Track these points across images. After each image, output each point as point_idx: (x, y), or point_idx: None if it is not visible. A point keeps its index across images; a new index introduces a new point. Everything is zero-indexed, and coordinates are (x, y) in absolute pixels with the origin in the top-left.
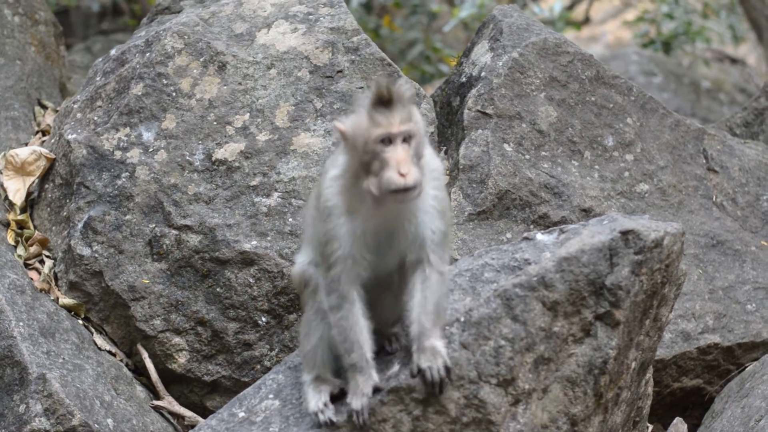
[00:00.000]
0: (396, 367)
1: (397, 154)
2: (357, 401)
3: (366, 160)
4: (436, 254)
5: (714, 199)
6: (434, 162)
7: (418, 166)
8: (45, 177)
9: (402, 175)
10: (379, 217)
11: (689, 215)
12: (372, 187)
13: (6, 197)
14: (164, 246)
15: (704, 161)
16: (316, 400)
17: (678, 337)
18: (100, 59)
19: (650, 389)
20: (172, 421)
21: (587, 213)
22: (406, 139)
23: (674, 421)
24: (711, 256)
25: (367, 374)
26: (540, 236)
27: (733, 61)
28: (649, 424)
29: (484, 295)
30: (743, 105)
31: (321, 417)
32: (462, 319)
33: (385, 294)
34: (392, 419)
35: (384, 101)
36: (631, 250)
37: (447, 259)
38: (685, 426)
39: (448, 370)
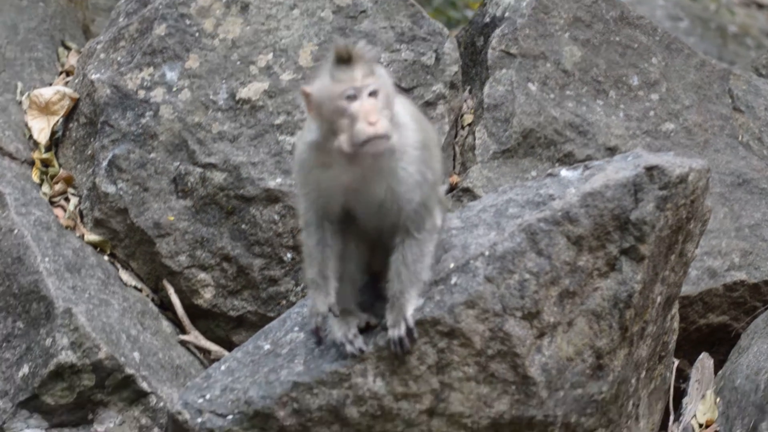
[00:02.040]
0: (421, 301)
1: (364, 106)
2: (311, 319)
3: (334, 120)
4: (413, 222)
5: (740, 138)
6: (412, 132)
7: (390, 121)
8: (69, 116)
9: (371, 124)
10: (353, 176)
11: (715, 154)
12: (343, 144)
13: (31, 136)
14: (189, 183)
15: (730, 101)
16: (344, 330)
17: (704, 274)
18: (123, 0)
19: (676, 324)
20: (198, 355)
21: (612, 152)
22: (372, 93)
23: (700, 356)
24: (737, 194)
25: (324, 291)
26: (564, 172)
27: (760, 6)
28: (675, 359)
29: (508, 229)
30: None
31: (348, 347)
32: (486, 253)
33: (380, 249)
34: (417, 351)
35: (344, 60)
36: (656, 186)
37: (428, 224)
38: (711, 361)
39: (409, 330)
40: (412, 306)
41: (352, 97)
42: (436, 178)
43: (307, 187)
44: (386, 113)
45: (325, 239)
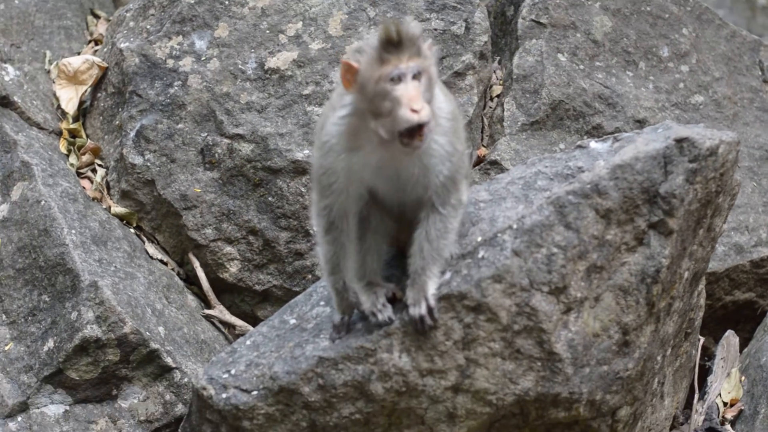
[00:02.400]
0: (447, 275)
1: (408, 90)
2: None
3: (375, 102)
4: (439, 197)
5: None
6: (443, 103)
7: (429, 105)
8: (97, 86)
9: (414, 111)
10: (383, 158)
11: (744, 127)
12: (381, 130)
13: (59, 106)
14: (216, 155)
15: (760, 73)
16: (373, 300)
17: (731, 249)
18: None
19: (702, 301)
20: (223, 330)
21: (641, 124)
22: (416, 76)
23: (726, 333)
24: (765, 168)
25: (344, 297)
26: (594, 144)
27: None
28: (700, 337)
29: (536, 202)
30: None
31: (380, 316)
32: (514, 226)
33: (405, 221)
34: (443, 326)
35: (393, 42)
36: (686, 158)
37: (454, 199)
38: (737, 339)
39: (430, 309)
40: (433, 284)
41: (396, 80)
42: (464, 149)
43: (333, 177)
44: (427, 96)
45: (342, 245)
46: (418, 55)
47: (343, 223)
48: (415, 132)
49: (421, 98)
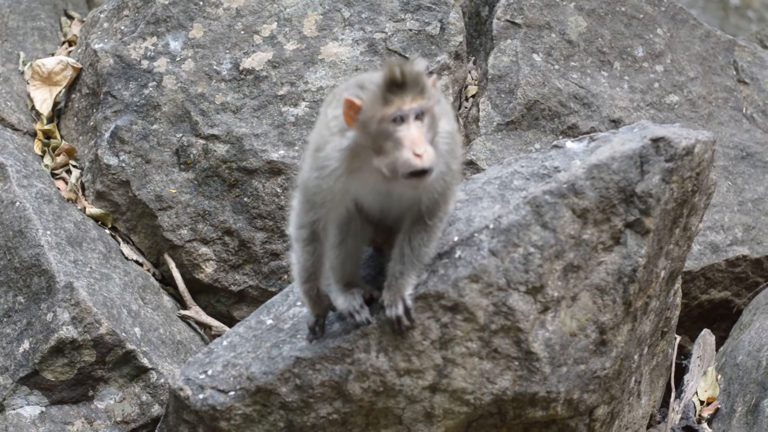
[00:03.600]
0: (424, 275)
1: (411, 132)
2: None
3: (378, 141)
4: (429, 211)
5: (744, 110)
6: (445, 125)
7: (432, 144)
8: (72, 87)
9: (417, 155)
10: (379, 186)
11: (719, 127)
12: (384, 168)
13: (33, 107)
14: (191, 155)
15: (734, 73)
16: (350, 300)
17: (706, 248)
18: None
19: (678, 300)
20: (199, 330)
21: (616, 124)
22: (419, 116)
23: (702, 332)
24: (740, 168)
25: (317, 301)
26: (570, 144)
27: None
28: (677, 335)
29: (513, 202)
30: None
31: (357, 317)
32: (491, 226)
33: (385, 228)
34: (421, 326)
35: (397, 83)
36: (662, 158)
37: (442, 212)
38: (713, 338)
39: (407, 310)
40: (410, 286)
41: (399, 120)
42: (458, 167)
43: (328, 196)
44: (430, 135)
45: (320, 255)
46: (422, 94)
47: (324, 234)
48: (416, 178)
49: (424, 140)
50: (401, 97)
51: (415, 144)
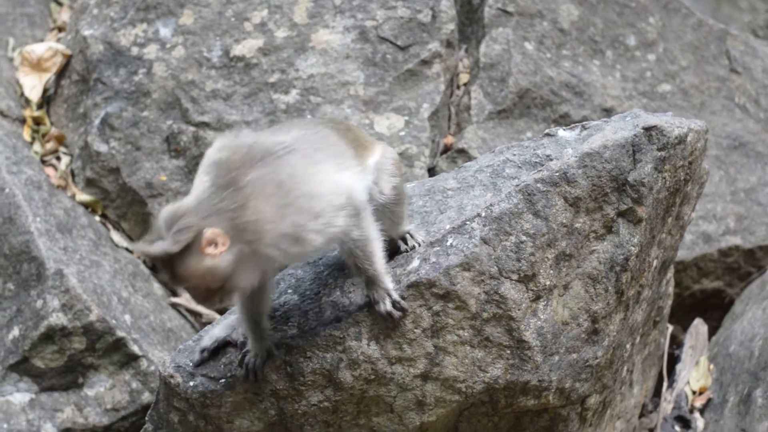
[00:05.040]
0: (416, 263)
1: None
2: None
3: None
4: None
5: (736, 100)
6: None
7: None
8: (61, 73)
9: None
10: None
11: (711, 116)
12: None
13: (22, 93)
14: (182, 143)
15: (727, 62)
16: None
17: (699, 238)
18: None
19: (671, 289)
20: (189, 318)
21: (608, 113)
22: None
23: (694, 322)
24: (733, 157)
25: (259, 339)
26: (562, 132)
27: None
28: (669, 325)
29: (505, 190)
30: (766, 8)
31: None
32: (483, 214)
33: None
34: (412, 314)
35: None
36: (655, 146)
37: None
38: (705, 327)
39: (395, 302)
40: (388, 280)
41: None
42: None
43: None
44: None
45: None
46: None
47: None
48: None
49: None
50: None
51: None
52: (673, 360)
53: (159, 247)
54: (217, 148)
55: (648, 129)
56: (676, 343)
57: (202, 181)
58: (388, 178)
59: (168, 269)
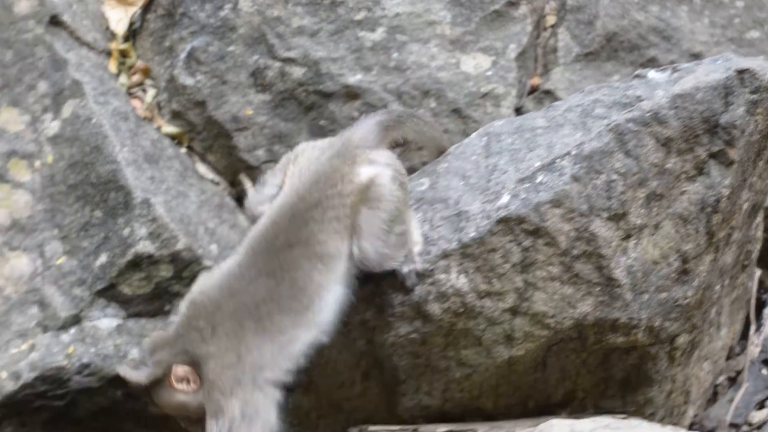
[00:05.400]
0: (506, 198)
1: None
2: None
3: None
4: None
5: None
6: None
7: None
8: (147, 7)
9: None
10: None
11: None
12: None
13: (108, 27)
14: (268, 78)
15: None
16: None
17: None
18: None
19: (760, 233)
20: None
21: (696, 58)
22: None
23: None
24: None
25: None
26: (652, 74)
27: None
28: (757, 269)
29: (595, 129)
30: None
31: None
32: (573, 152)
33: None
34: (501, 249)
35: None
36: (747, 89)
37: None
38: None
39: (416, 273)
40: (417, 247)
41: None
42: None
43: None
44: None
45: None
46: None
47: None
48: None
49: None
50: None
51: None
52: (761, 304)
53: (134, 377)
54: (200, 290)
55: (740, 72)
56: (764, 287)
57: (182, 314)
58: (371, 237)
59: (147, 396)
